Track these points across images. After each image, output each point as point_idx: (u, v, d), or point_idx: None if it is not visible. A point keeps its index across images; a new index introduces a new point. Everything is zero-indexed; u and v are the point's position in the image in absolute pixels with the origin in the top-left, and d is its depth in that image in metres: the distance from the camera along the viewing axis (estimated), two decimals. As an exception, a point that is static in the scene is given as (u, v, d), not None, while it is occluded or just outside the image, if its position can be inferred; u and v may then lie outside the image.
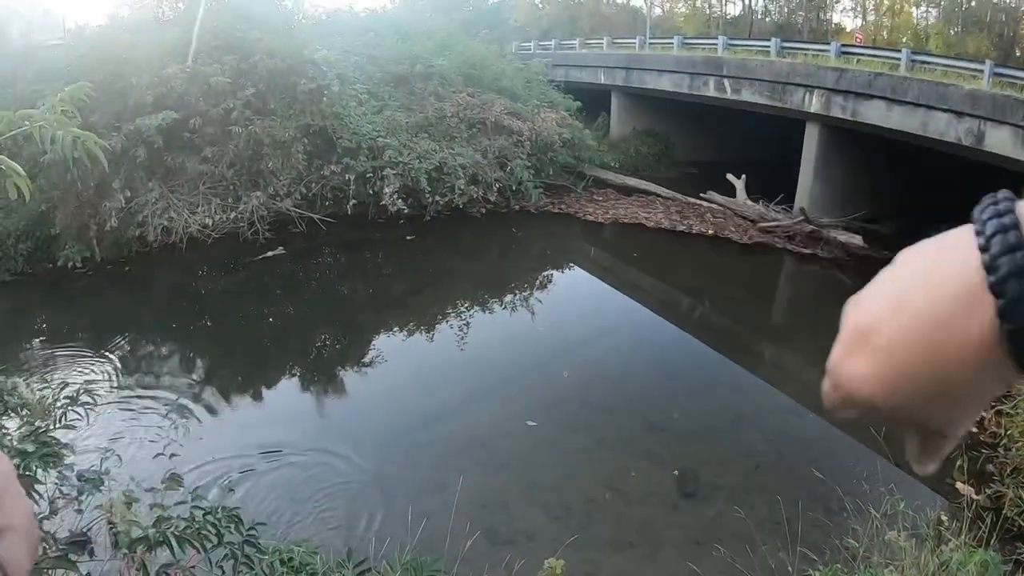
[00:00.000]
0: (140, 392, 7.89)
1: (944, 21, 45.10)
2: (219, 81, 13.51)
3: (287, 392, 8.42)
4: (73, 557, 3.19)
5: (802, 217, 15.69)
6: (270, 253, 12.78)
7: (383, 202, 14.51)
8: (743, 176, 17.85)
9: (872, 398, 0.51)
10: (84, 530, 3.81)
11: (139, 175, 12.74)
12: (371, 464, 6.79)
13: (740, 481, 6.92)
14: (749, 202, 17.17)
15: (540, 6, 54.82)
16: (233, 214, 13.46)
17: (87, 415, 3.99)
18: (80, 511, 3.63)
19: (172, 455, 4.58)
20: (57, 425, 3.83)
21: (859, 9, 51.21)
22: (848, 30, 49.28)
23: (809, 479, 6.38)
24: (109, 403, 7.41)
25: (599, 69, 24.68)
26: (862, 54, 18.55)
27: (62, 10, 39.97)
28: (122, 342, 9.43)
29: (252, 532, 3.80)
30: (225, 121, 13.51)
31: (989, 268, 0.46)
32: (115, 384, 8.11)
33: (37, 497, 3.24)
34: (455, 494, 6.15)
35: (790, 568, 4.91)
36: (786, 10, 52.33)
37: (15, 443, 3.33)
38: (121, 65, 13.37)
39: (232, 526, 3.71)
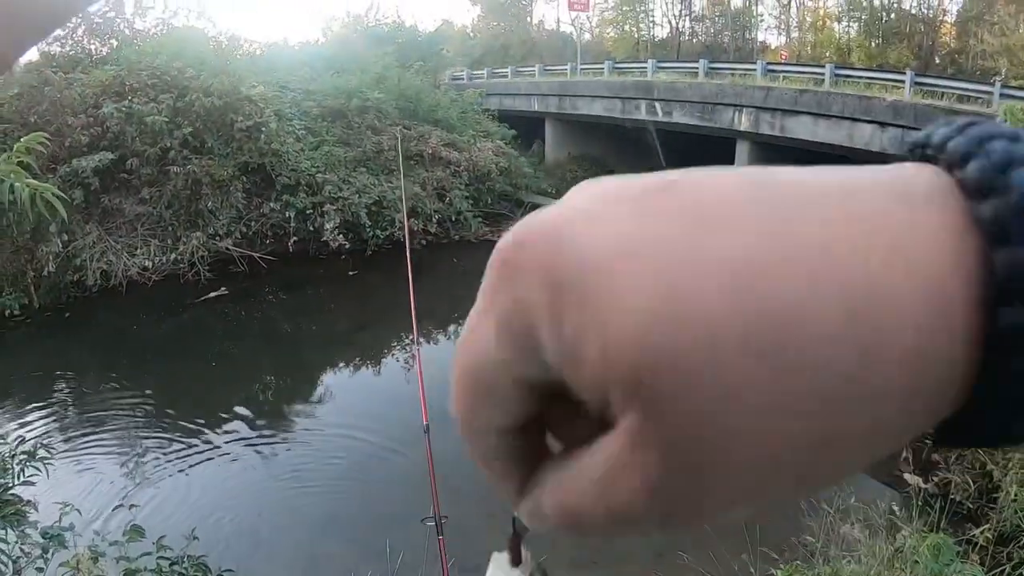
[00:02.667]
0: (88, 442, 7.78)
1: (865, 34, 46.34)
2: (155, 120, 13.40)
3: (237, 435, 8.36)
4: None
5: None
6: (212, 294, 12.68)
7: (324, 238, 14.53)
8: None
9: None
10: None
11: (76, 218, 12.57)
12: (328, 502, 6.80)
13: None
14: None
15: (472, 35, 55.16)
16: (173, 255, 13.35)
17: (46, 470, 3.98)
18: (42, 569, 3.62)
19: (131, 505, 4.57)
20: (16, 482, 3.81)
21: (783, 27, 52.62)
22: (773, 48, 50.52)
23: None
24: (59, 455, 7.30)
25: (532, 97, 25.01)
26: (787, 71, 19.18)
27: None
28: (66, 391, 9.27)
29: (219, 579, 3.82)
30: (162, 161, 13.42)
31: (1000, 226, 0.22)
32: (62, 435, 7.97)
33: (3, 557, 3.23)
34: (416, 527, 6.19)
35: (752, 569, 5.07)
36: (712, 31, 53.54)
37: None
38: (55, 105, 13.19)
39: (200, 575, 3.73)
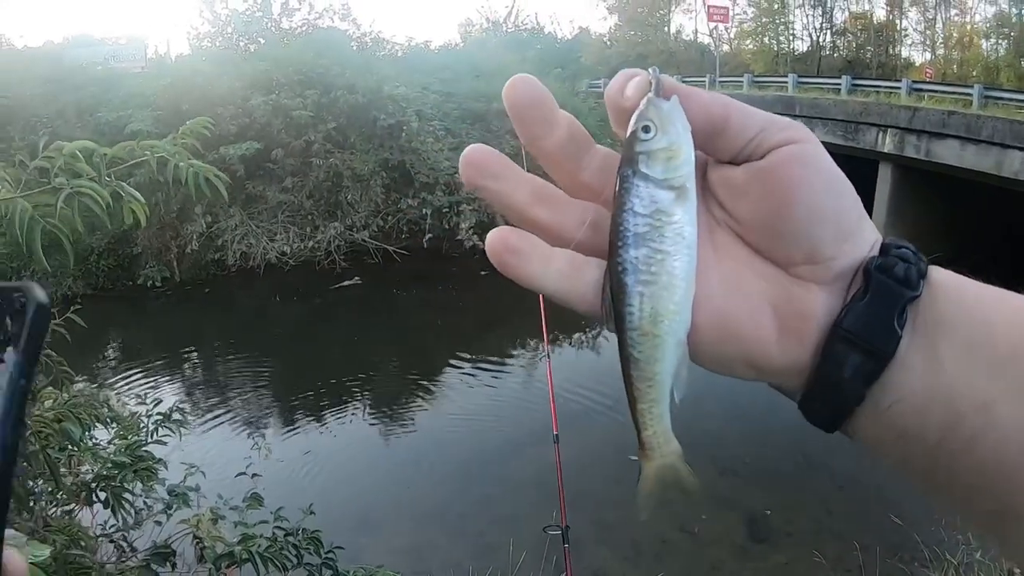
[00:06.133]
0: (217, 409, 8.11)
1: (1015, 53, 43.59)
2: (301, 114, 13.92)
3: (359, 419, 8.52)
4: (155, 567, 3.29)
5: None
6: (346, 282, 13.05)
7: (458, 237, 14.70)
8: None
9: None
10: (166, 542, 3.93)
11: (220, 202, 13.14)
12: (442, 495, 6.83)
13: (811, 526, 6.77)
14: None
15: (608, 44, 54.76)
16: (311, 243, 13.83)
17: (178, 433, 4.13)
18: (159, 523, 3.75)
19: (254, 475, 4.69)
20: (150, 440, 3.96)
21: (928, 43, 50.08)
22: (917, 65, 48.15)
23: (882, 526, 6.21)
24: (189, 419, 7.63)
25: (671, 107, 24.68)
26: (933, 90, 18.30)
27: (143, 36, 41.23)
28: (199, 360, 9.71)
29: (330, 555, 3.86)
30: (306, 153, 13.92)
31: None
32: (193, 400, 8.34)
33: (127, 508, 3.36)
34: (525, 528, 6.16)
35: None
36: (854, 45, 51.42)
37: (111, 455, 3.46)
38: (206, 95, 13.90)
39: (312, 548, 3.78)
